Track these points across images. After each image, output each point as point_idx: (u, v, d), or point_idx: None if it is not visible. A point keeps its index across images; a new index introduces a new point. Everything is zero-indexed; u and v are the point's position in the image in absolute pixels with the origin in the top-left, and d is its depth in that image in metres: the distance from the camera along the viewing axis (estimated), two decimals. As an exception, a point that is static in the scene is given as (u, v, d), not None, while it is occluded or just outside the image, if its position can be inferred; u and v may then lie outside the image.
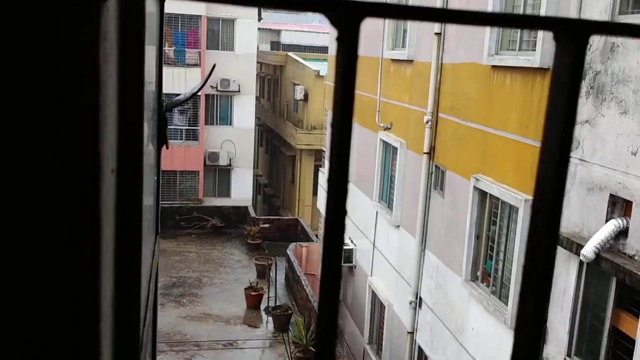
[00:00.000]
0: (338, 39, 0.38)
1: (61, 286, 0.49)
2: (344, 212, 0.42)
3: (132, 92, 0.66)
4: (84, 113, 0.46)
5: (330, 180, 0.40)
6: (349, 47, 0.38)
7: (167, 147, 1.84)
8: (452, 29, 10.23)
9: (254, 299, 18.35)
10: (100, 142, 0.47)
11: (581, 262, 6.63)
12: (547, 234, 0.43)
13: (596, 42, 6.64)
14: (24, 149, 0.45)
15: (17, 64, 0.43)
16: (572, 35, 0.41)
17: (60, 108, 0.45)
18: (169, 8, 25.69)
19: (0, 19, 0.42)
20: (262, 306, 18.40)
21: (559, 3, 7.33)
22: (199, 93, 26.03)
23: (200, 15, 26.00)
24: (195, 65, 26.23)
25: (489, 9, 8.83)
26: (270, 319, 17.50)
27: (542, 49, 7.52)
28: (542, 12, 7.56)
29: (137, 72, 0.68)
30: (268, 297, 18.22)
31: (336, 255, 0.41)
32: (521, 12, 8.31)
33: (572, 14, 6.99)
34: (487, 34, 8.84)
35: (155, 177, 1.87)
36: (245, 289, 18.58)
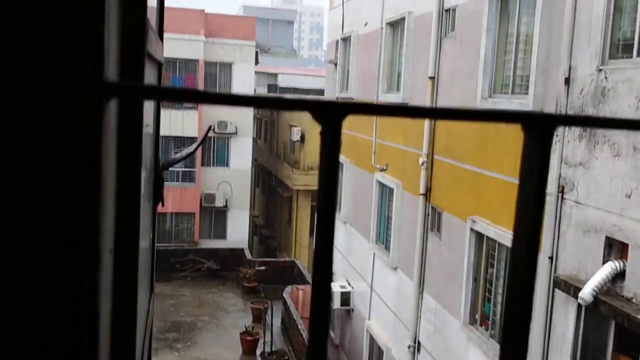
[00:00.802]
0: (321, 134, 0.40)
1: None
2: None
3: (130, 178, 0.68)
4: (84, 201, 0.47)
5: (314, 270, 0.42)
6: (332, 142, 0.40)
7: (162, 205, 1.86)
8: (446, 72, 10.40)
9: (249, 344, 18.07)
10: (99, 228, 0.48)
11: (579, 306, 6.59)
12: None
13: (587, 85, 6.76)
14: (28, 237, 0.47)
15: (22, 161, 0.45)
16: (539, 127, 0.44)
17: (61, 197, 0.47)
18: (167, 52, 26.01)
19: (1, 120, 0.44)
20: (258, 351, 18.10)
21: (550, 49, 7.48)
22: (196, 136, 26.19)
23: (198, 60, 26.38)
24: (193, 108, 26.47)
25: (481, 60, 8.99)
26: (267, 363, 17.20)
27: (534, 93, 7.64)
28: (534, 58, 7.71)
29: (135, 157, 0.70)
30: (264, 342, 17.95)
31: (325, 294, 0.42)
32: (512, 59, 8.47)
33: (563, 59, 7.12)
34: (480, 77, 8.99)
35: (151, 235, 1.89)
36: (240, 333, 18.32)
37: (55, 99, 0.46)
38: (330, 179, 0.41)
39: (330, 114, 0.40)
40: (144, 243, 1.36)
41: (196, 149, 2.84)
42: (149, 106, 1.47)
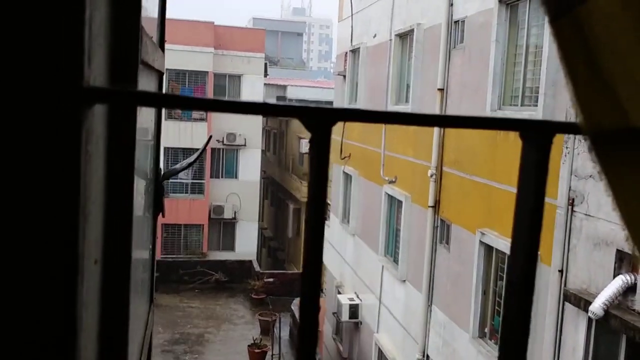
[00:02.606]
0: (310, 141, 0.39)
1: None
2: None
3: (121, 187, 0.67)
4: (63, 211, 0.46)
5: (303, 278, 0.40)
6: (321, 148, 0.39)
7: (163, 216, 1.84)
8: (455, 84, 10.39)
9: (257, 357, 18.00)
10: (77, 237, 0.47)
11: (590, 319, 6.51)
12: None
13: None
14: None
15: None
16: (538, 135, 0.42)
17: (37, 205, 0.45)
18: (176, 64, 26.13)
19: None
20: (266, 363, 18.03)
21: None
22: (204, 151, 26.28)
23: (207, 72, 26.52)
24: (202, 119, 26.60)
25: (490, 72, 8.98)
26: (275, 376, 17.12)
27: (544, 104, 7.61)
28: (543, 70, 7.68)
29: (126, 169, 0.69)
30: (272, 355, 17.87)
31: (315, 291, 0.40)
32: (522, 70, 8.45)
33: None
34: (490, 88, 8.97)
35: (151, 246, 1.87)
36: (248, 346, 18.26)
37: (32, 103, 0.44)
38: (320, 185, 0.40)
39: (320, 120, 0.38)
40: (142, 254, 1.34)
41: (197, 159, 2.83)
42: (148, 115, 1.46)
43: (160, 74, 1.58)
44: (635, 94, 0.42)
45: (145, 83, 1.23)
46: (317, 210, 0.41)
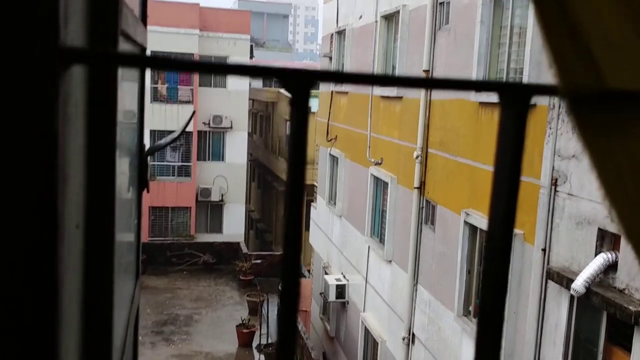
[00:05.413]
0: (291, 103, 0.41)
1: (15, 345, 0.49)
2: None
3: (103, 149, 0.68)
4: (40, 174, 0.47)
5: (285, 232, 0.42)
6: (300, 109, 0.40)
7: (147, 191, 1.86)
8: (440, 65, 10.40)
9: (245, 337, 18.12)
10: (59, 198, 0.48)
11: (572, 297, 6.62)
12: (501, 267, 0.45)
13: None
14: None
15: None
16: (516, 98, 0.43)
17: (13, 173, 0.47)
18: (161, 46, 25.82)
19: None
20: (254, 344, 18.15)
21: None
22: (191, 130, 26.15)
23: (193, 54, 26.28)
24: (188, 102, 26.41)
25: (475, 53, 8.99)
26: (263, 356, 17.24)
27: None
28: (527, 51, 7.71)
29: (107, 132, 0.70)
30: (260, 335, 17.99)
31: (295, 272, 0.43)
32: (506, 51, 8.48)
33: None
34: (475, 69, 8.99)
35: (136, 220, 1.88)
36: (237, 326, 18.36)
37: (6, 62, 0.45)
38: (300, 147, 0.42)
39: (299, 81, 0.40)
40: (127, 228, 1.36)
41: (181, 133, 2.83)
42: (131, 90, 1.47)
43: (142, 49, 1.58)
44: (609, 54, 0.43)
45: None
46: (297, 173, 0.42)
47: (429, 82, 0.47)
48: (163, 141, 2.84)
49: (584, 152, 0.49)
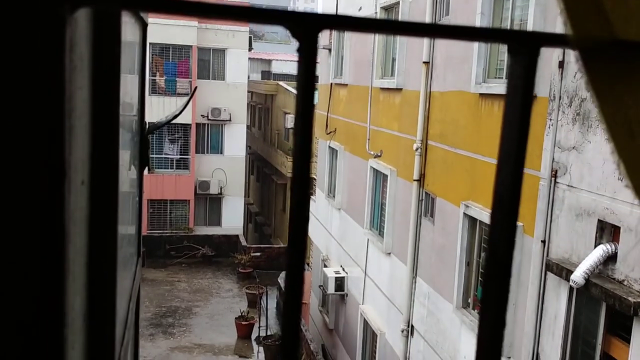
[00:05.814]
0: (298, 50, 0.40)
1: (23, 296, 0.48)
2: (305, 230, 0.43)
3: (107, 105, 0.67)
4: (47, 123, 0.46)
5: (293, 185, 0.41)
6: (308, 56, 0.39)
7: (149, 171, 1.84)
8: (440, 58, 10.37)
9: (245, 329, 18.15)
10: (66, 151, 0.47)
11: (571, 288, 6.63)
12: (506, 238, 0.44)
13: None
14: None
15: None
16: (524, 47, 0.43)
17: (21, 118, 0.46)
18: (160, 38, 25.78)
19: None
20: (253, 336, 18.19)
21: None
22: (190, 122, 26.10)
23: (192, 46, 26.22)
24: (187, 94, 26.34)
25: (475, 45, 8.96)
26: (262, 348, 17.28)
27: (528, 77, 7.62)
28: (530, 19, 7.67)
29: (112, 83, 0.69)
30: (259, 327, 18.03)
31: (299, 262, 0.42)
32: (509, 16, 8.43)
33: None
34: (475, 62, 8.97)
35: (138, 198, 1.87)
36: (236, 318, 18.39)
37: (12, 5, 0.44)
38: (308, 94, 0.41)
39: (307, 26, 0.39)
40: (129, 202, 1.35)
41: (182, 110, 2.82)
42: (132, 79, 1.45)
43: (144, 25, 1.56)
44: (618, 5, 0.43)
45: (132, 32, 1.22)
46: (305, 121, 0.41)
47: (435, 28, 0.45)
48: (164, 118, 2.82)
49: (593, 104, 0.48)
